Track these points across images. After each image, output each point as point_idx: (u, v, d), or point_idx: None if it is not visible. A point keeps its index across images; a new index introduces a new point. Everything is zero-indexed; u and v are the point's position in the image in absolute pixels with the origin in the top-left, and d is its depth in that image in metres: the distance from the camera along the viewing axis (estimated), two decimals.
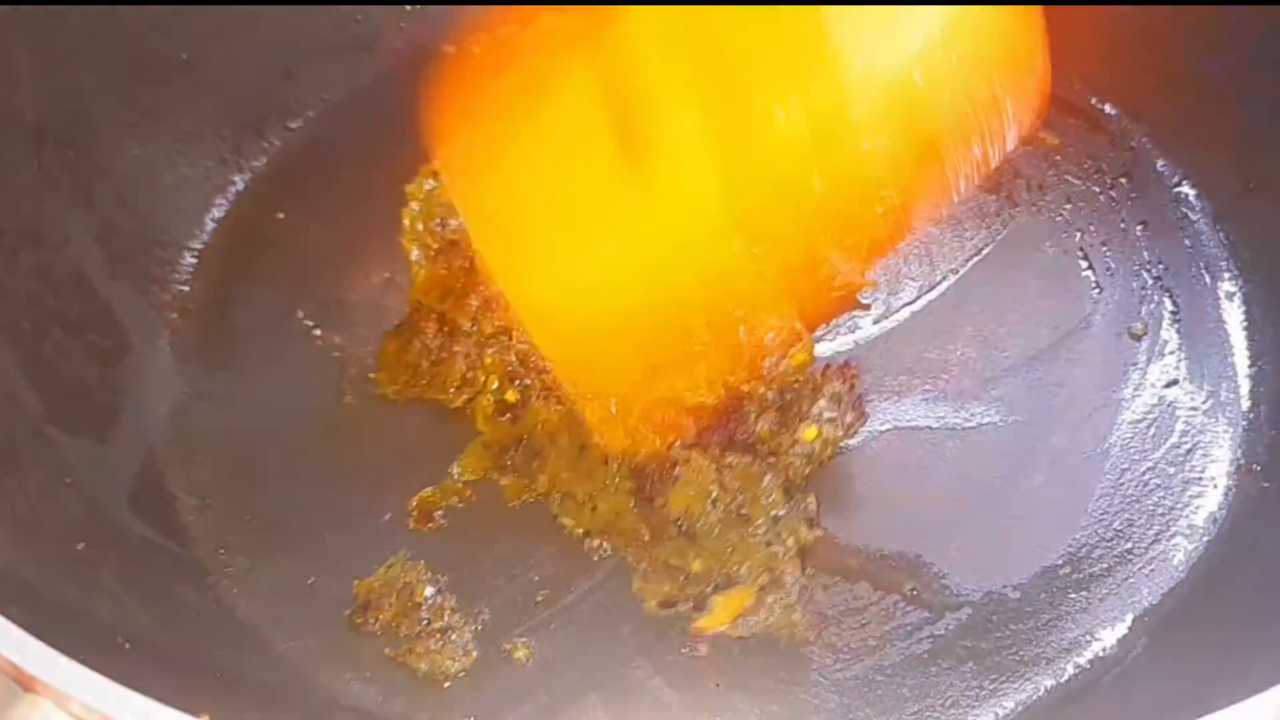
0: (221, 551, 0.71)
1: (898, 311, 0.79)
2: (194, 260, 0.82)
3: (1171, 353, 0.77)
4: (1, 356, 0.69)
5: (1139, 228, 0.82)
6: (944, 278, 0.81)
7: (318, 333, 0.79)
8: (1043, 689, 0.66)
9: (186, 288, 0.81)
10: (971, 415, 0.75)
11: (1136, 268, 0.81)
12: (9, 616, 0.49)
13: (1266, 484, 0.71)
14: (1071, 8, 0.86)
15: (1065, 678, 0.66)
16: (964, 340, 0.78)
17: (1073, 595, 0.69)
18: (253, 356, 0.79)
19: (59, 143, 0.76)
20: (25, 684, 0.48)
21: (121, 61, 0.80)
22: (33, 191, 0.75)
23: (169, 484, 0.73)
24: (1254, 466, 0.72)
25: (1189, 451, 0.73)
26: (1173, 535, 0.71)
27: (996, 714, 0.65)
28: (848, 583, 0.69)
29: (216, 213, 0.84)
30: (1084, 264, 0.81)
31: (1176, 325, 0.78)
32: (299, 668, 0.67)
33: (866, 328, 0.78)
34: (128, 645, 0.58)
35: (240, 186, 0.86)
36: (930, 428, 0.74)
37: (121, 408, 0.75)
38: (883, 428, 0.74)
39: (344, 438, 0.76)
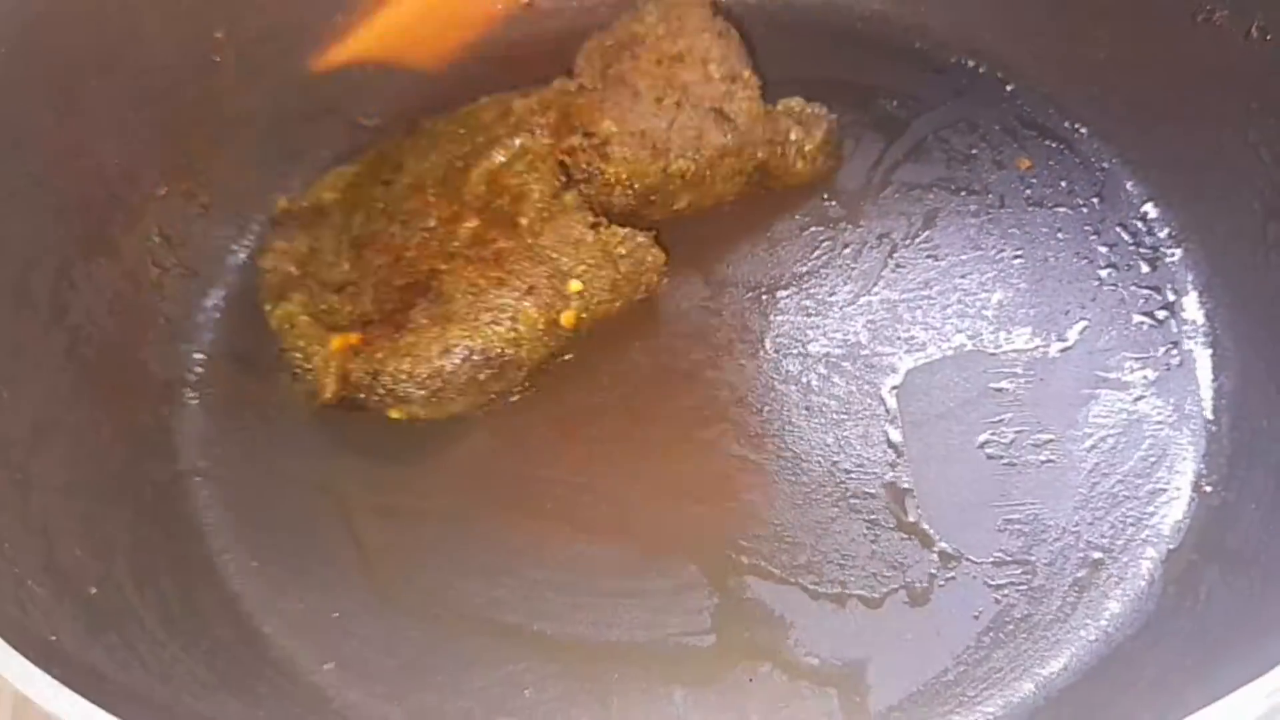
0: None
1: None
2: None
3: (1140, 368, 0.82)
4: None
5: (1108, 249, 0.86)
6: (923, 296, 0.86)
7: None
8: (1020, 694, 0.71)
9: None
10: (952, 434, 0.80)
11: (1107, 287, 0.85)
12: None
13: (1226, 494, 0.76)
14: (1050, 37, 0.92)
15: (1042, 684, 0.71)
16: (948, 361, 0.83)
17: (1045, 606, 0.73)
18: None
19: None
20: None
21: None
22: None
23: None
24: (1213, 478, 0.77)
25: (1155, 463, 0.78)
26: (1141, 545, 0.75)
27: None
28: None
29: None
30: (1058, 284, 0.85)
31: (1144, 341, 0.83)
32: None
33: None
34: None
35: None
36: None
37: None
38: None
39: None
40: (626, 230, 0.82)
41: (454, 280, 0.80)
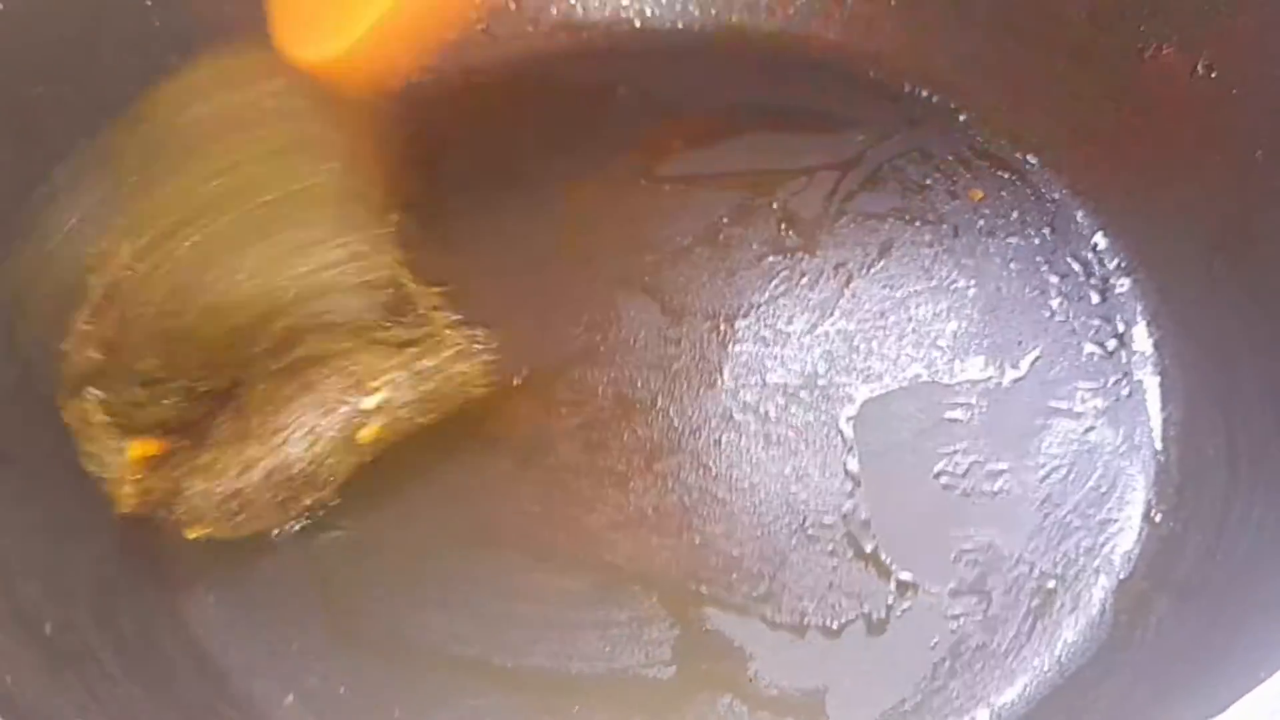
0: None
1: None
2: None
3: (1092, 398, 0.83)
4: None
5: (1059, 279, 0.88)
6: (879, 326, 0.87)
7: None
8: None
9: None
10: (909, 464, 0.81)
11: (1059, 317, 0.86)
12: None
13: (1174, 523, 0.78)
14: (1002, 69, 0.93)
15: (997, 713, 0.72)
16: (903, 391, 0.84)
17: (1000, 635, 0.75)
18: None
19: None
20: None
21: None
22: None
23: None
24: (1163, 507, 0.79)
25: (1106, 493, 0.79)
26: (1093, 574, 0.77)
27: None
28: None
29: None
30: (1010, 314, 0.87)
31: (1095, 371, 0.84)
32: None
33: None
34: None
35: None
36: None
37: None
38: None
39: None
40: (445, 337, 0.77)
41: (250, 392, 0.74)
